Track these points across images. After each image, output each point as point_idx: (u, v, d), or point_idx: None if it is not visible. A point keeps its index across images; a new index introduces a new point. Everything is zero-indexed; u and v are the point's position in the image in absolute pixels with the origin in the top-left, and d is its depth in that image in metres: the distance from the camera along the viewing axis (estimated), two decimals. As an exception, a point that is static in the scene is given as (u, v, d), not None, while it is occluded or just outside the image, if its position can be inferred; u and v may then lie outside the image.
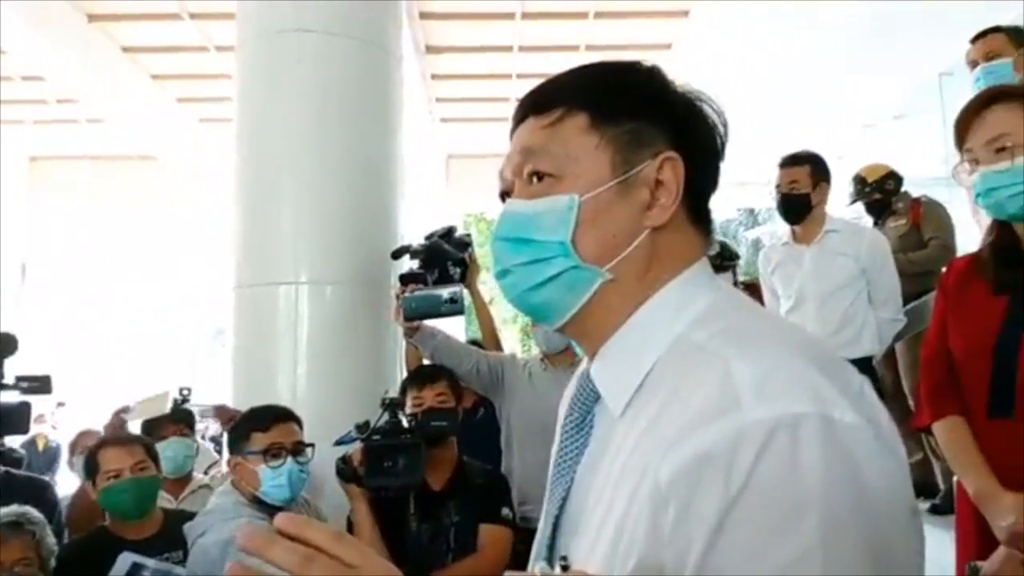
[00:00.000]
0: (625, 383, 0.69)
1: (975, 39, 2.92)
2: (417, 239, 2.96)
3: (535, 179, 0.73)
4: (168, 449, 2.79)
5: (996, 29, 3.01)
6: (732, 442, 0.56)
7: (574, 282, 0.70)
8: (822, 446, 0.55)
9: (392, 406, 2.22)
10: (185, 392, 3.80)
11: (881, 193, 3.77)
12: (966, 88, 2.99)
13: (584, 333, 0.74)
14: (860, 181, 3.85)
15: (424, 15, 6.31)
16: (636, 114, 0.71)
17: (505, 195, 0.79)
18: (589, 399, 0.74)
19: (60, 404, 8.01)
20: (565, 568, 0.62)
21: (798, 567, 0.53)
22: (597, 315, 0.72)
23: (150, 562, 2.14)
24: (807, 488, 0.54)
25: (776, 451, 0.55)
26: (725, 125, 0.75)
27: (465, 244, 2.80)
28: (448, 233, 2.87)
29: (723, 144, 0.75)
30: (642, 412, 0.66)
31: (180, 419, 3.11)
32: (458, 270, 2.71)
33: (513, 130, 0.77)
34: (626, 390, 0.69)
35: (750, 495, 0.55)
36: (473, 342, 3.56)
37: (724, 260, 3.95)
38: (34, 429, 6.31)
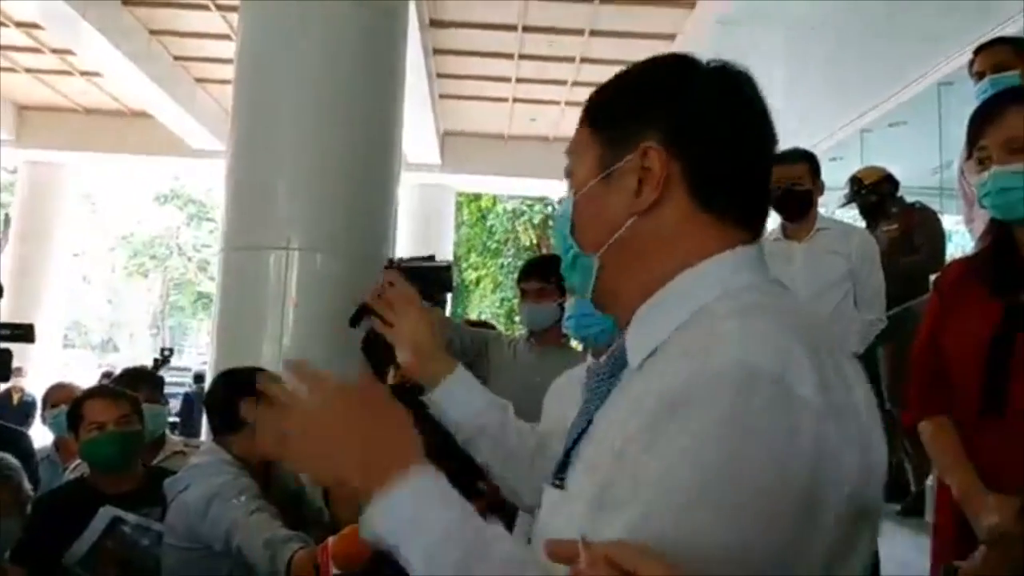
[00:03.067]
0: (645, 343, 0.75)
1: (980, 50, 2.94)
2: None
3: (568, 179, 0.85)
4: None
5: (1001, 40, 3.03)
6: (688, 385, 0.64)
7: (582, 267, 0.82)
8: (764, 404, 0.61)
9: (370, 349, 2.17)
10: (166, 352, 3.77)
11: (876, 196, 3.80)
12: (968, 98, 3.01)
13: (610, 307, 0.84)
14: (856, 182, 3.87)
15: (430, -12, 6.27)
16: (624, 115, 0.79)
17: None
18: (620, 360, 0.81)
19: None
20: (558, 485, 0.75)
21: (671, 496, 0.61)
22: (610, 293, 0.81)
23: (131, 517, 2.14)
24: (726, 437, 0.61)
25: (720, 396, 0.62)
26: (756, 108, 0.80)
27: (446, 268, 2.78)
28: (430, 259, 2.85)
29: (748, 128, 0.79)
30: (656, 371, 0.72)
31: (149, 382, 3.01)
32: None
33: None
34: (644, 349, 0.75)
35: (678, 427, 0.62)
36: (480, 324, 3.54)
37: None
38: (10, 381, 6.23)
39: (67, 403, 3.30)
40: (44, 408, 3.59)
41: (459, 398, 1.15)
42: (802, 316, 0.73)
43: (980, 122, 1.47)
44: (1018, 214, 1.43)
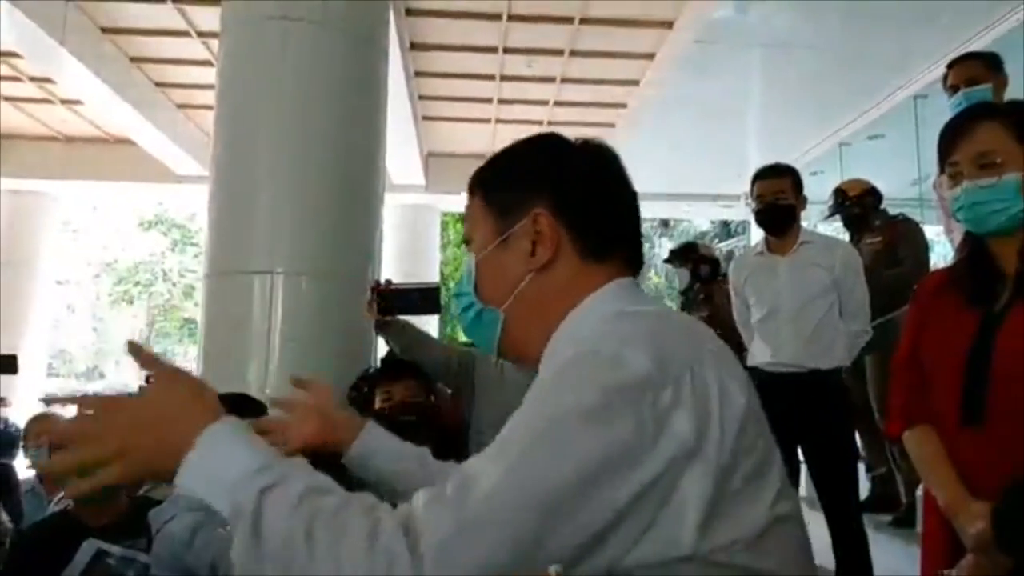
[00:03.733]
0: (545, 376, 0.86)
1: (953, 64, 2.99)
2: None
3: (465, 245, 0.98)
4: None
5: (973, 55, 3.09)
6: (563, 365, 0.77)
7: (487, 320, 0.93)
8: (601, 374, 0.72)
9: (361, 400, 2.19)
10: (152, 380, 3.72)
11: (860, 208, 3.84)
12: (942, 111, 3.06)
13: (519, 356, 0.95)
14: (840, 194, 3.91)
15: (410, 11, 6.30)
16: (513, 186, 0.92)
17: None
18: None
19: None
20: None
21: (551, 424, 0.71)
22: (518, 341, 0.93)
23: (115, 549, 2.10)
24: (561, 400, 0.72)
25: (568, 371, 0.75)
26: (620, 172, 0.93)
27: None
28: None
29: (619, 188, 0.93)
30: None
31: None
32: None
33: None
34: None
35: (532, 398, 0.76)
36: (471, 344, 3.55)
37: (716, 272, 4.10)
38: (-7, 412, 6.13)
39: (48, 435, 3.26)
40: (26, 440, 3.53)
41: (375, 447, 1.16)
42: (661, 317, 0.85)
43: (951, 138, 1.49)
44: (990, 227, 1.45)
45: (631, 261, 0.93)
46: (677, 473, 0.70)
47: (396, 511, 0.68)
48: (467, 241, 0.97)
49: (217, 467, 0.72)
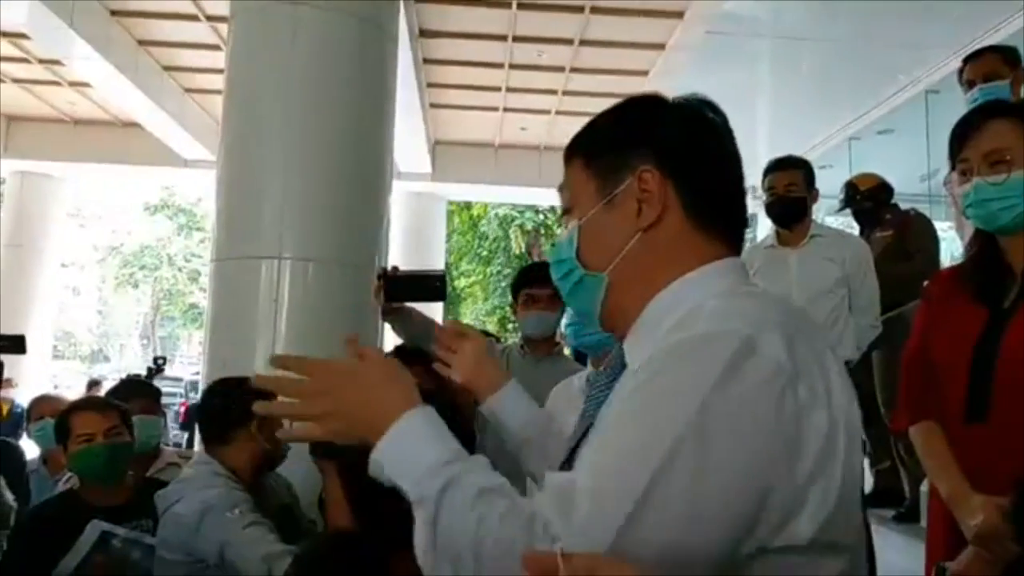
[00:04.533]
0: (643, 349, 0.83)
1: (970, 59, 2.96)
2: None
3: (564, 215, 0.94)
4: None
5: (991, 49, 3.05)
6: (679, 343, 0.75)
7: (588, 286, 0.90)
8: (731, 357, 0.70)
9: None
10: (160, 361, 3.73)
11: (871, 202, 3.80)
12: (954, 106, 3.04)
13: (615, 325, 0.91)
14: (852, 188, 3.88)
15: (420, -2, 6.29)
16: (614, 146, 0.88)
17: None
18: (619, 367, 0.92)
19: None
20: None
21: (664, 433, 0.69)
22: (616, 309, 0.89)
23: (120, 531, 2.11)
24: (703, 383, 0.70)
25: (701, 351, 0.72)
26: (725, 130, 0.89)
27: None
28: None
29: (721, 147, 0.89)
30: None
31: (146, 394, 2.98)
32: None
33: None
34: (643, 354, 0.82)
35: (661, 372, 0.74)
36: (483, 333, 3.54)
37: None
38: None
39: (51, 416, 3.28)
40: (28, 421, 3.53)
41: (510, 408, 1.25)
42: (781, 302, 0.83)
43: (961, 135, 1.50)
44: (1000, 224, 1.46)
45: (735, 232, 0.89)
46: (822, 465, 0.71)
47: (552, 522, 0.69)
48: (566, 211, 0.93)
49: (408, 454, 0.78)
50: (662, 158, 0.85)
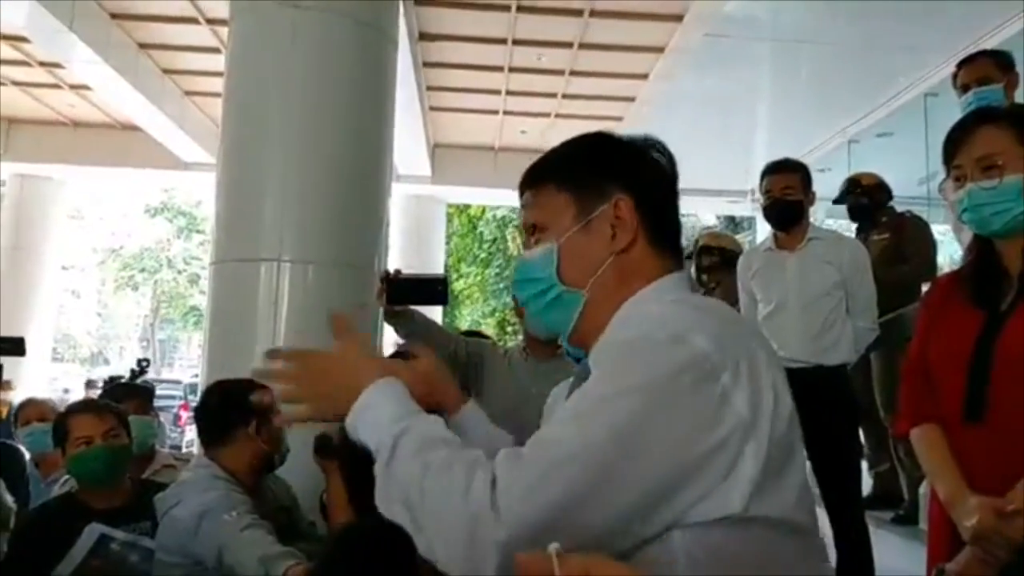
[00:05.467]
0: (602, 355, 0.92)
1: (963, 63, 2.98)
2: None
3: (532, 234, 1.01)
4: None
5: (984, 53, 3.07)
6: (631, 340, 0.85)
7: (565, 303, 0.98)
8: (667, 351, 0.81)
9: None
10: (144, 363, 3.71)
11: (869, 200, 3.81)
12: (953, 109, 3.05)
13: (584, 340, 0.99)
14: (853, 183, 3.88)
15: (419, 0, 6.28)
16: (591, 173, 0.98)
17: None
18: (582, 381, 0.94)
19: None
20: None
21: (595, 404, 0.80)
22: (590, 323, 0.97)
23: (118, 534, 2.11)
24: (636, 370, 0.80)
25: (634, 345, 0.84)
26: (672, 165, 1.01)
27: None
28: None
29: (671, 182, 1.01)
30: None
31: (139, 394, 2.97)
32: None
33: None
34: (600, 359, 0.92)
35: (600, 367, 0.85)
36: (473, 333, 3.55)
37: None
38: (-1, 394, 6.11)
39: (37, 420, 3.27)
40: (16, 425, 3.48)
41: (467, 428, 1.21)
42: (718, 309, 0.93)
43: (954, 141, 1.52)
44: (993, 228, 1.48)
45: (679, 255, 1.01)
46: (738, 446, 0.79)
47: (488, 465, 0.79)
48: (531, 229, 1.01)
49: (373, 415, 0.91)
50: (635, 189, 0.96)
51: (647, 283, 0.95)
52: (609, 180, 0.97)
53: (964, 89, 2.89)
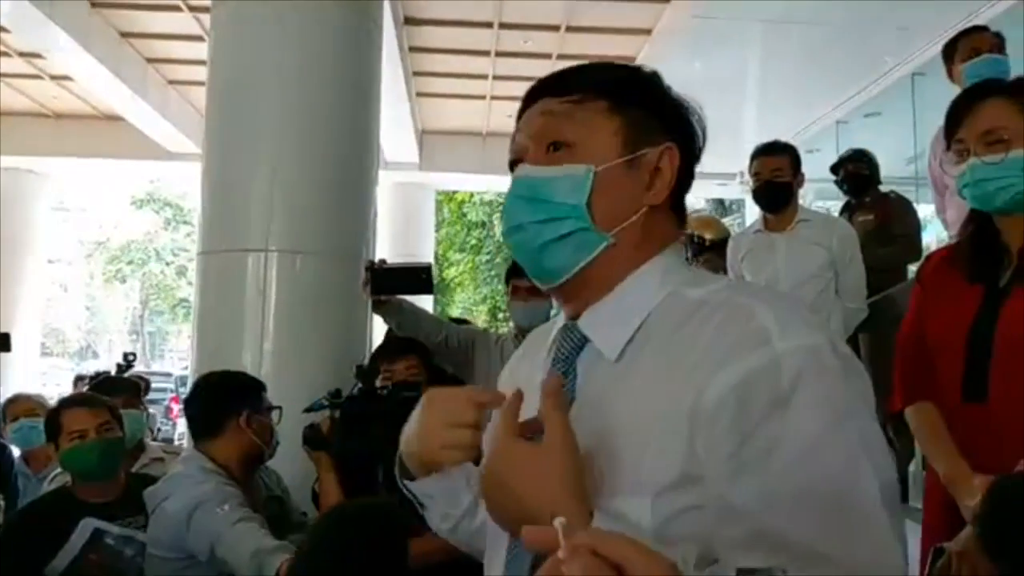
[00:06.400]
0: (620, 332, 0.79)
1: (965, 34, 2.95)
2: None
3: (552, 148, 0.83)
4: None
5: (986, 29, 3.05)
6: (772, 365, 0.69)
7: (582, 243, 0.81)
8: (845, 367, 0.71)
9: (366, 374, 2.20)
10: (130, 357, 3.68)
11: (869, 171, 3.82)
12: (940, 89, 3.04)
13: (578, 293, 0.83)
14: (861, 152, 3.90)
15: (404, -14, 6.23)
16: (646, 107, 0.84)
17: (515, 164, 0.87)
18: (572, 353, 0.83)
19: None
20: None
21: (851, 466, 0.67)
22: (595, 276, 0.82)
23: (113, 528, 2.10)
24: (842, 401, 0.70)
25: (809, 370, 0.69)
26: (704, 131, 0.88)
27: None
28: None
29: (701, 148, 0.88)
30: (645, 356, 0.77)
31: (126, 388, 2.95)
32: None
33: (524, 108, 0.88)
34: (621, 338, 0.79)
35: (798, 401, 0.68)
36: (458, 320, 3.54)
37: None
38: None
39: (25, 416, 3.25)
40: (5, 422, 3.44)
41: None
42: (767, 288, 0.87)
43: (957, 114, 1.48)
44: (996, 204, 1.45)
45: (684, 222, 0.90)
46: None
47: None
48: (557, 144, 0.82)
49: None
50: (683, 143, 0.84)
51: (660, 247, 0.83)
52: (663, 123, 0.84)
53: (975, 53, 2.82)
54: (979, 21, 5.01)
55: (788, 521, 0.66)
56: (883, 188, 3.94)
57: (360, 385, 2.20)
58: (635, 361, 0.77)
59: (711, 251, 4.05)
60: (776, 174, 2.96)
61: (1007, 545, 1.10)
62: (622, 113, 0.82)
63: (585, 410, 0.78)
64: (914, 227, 3.72)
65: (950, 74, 2.95)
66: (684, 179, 0.85)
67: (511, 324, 3.01)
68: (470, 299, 15.94)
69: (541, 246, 0.82)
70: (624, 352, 0.78)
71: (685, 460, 0.70)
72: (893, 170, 5.89)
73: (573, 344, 0.83)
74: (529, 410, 0.77)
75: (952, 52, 2.93)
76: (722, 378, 0.70)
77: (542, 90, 0.86)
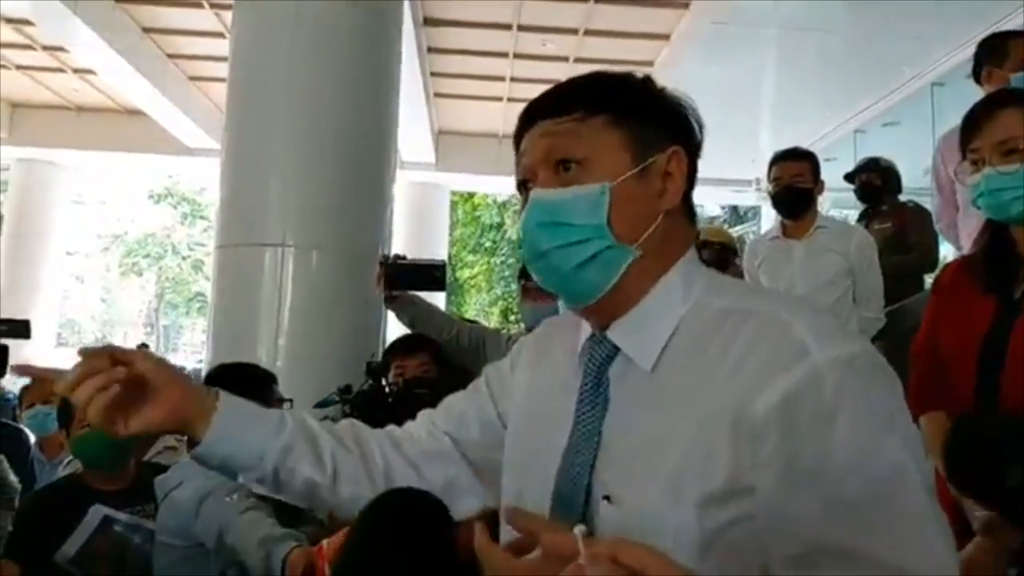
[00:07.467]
0: (652, 342, 0.80)
1: (1016, 35, 2.70)
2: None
3: (563, 168, 0.83)
4: None
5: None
6: (814, 378, 0.70)
7: (609, 261, 0.81)
8: (881, 374, 0.73)
9: (376, 371, 2.21)
10: (144, 349, 3.71)
11: (883, 182, 3.80)
12: (960, 99, 2.99)
13: (607, 308, 0.83)
14: (873, 161, 3.89)
15: (424, -14, 6.26)
16: (647, 115, 0.84)
17: (522, 184, 0.88)
18: (604, 363, 0.84)
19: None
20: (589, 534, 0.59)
21: (898, 472, 0.69)
22: (624, 288, 0.82)
23: (121, 516, 2.12)
24: (884, 408, 0.72)
25: (849, 381, 0.70)
26: (702, 128, 0.89)
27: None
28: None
29: (699, 146, 0.89)
30: (680, 366, 0.78)
31: None
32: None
33: (521, 132, 0.90)
34: (654, 348, 0.80)
35: (843, 413, 0.69)
36: (468, 321, 3.56)
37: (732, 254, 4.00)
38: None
39: (41, 402, 3.28)
40: (20, 408, 3.49)
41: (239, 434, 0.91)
42: (784, 294, 0.89)
43: (973, 124, 1.47)
44: (1011, 213, 1.44)
45: (696, 223, 0.91)
46: None
47: None
48: (567, 163, 0.82)
49: None
50: (690, 147, 0.86)
51: (680, 249, 0.84)
52: (666, 127, 0.84)
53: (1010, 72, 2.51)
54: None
55: (846, 532, 0.67)
56: (901, 197, 3.92)
57: (371, 381, 2.21)
58: (668, 371, 0.78)
59: (722, 260, 4.05)
60: (797, 179, 2.95)
61: (967, 473, 1.21)
62: (624, 124, 0.83)
63: (619, 419, 0.79)
64: (930, 235, 3.70)
65: (986, 77, 2.67)
66: (691, 177, 0.86)
67: (521, 325, 3.02)
68: (484, 300, 15.96)
69: (569, 272, 0.81)
70: (659, 362, 0.79)
71: (731, 471, 0.71)
72: (911, 180, 5.84)
73: (605, 354, 0.83)
74: (550, 413, 0.85)
75: (995, 54, 2.67)
76: (766, 395, 0.71)
77: (539, 112, 0.87)
